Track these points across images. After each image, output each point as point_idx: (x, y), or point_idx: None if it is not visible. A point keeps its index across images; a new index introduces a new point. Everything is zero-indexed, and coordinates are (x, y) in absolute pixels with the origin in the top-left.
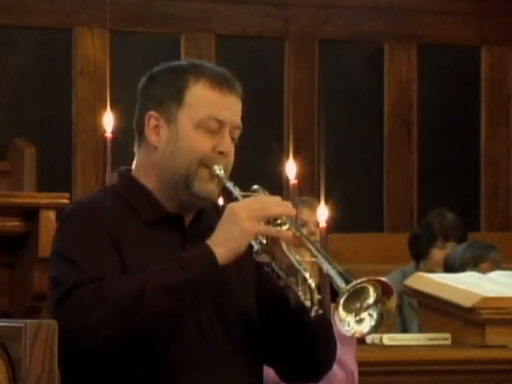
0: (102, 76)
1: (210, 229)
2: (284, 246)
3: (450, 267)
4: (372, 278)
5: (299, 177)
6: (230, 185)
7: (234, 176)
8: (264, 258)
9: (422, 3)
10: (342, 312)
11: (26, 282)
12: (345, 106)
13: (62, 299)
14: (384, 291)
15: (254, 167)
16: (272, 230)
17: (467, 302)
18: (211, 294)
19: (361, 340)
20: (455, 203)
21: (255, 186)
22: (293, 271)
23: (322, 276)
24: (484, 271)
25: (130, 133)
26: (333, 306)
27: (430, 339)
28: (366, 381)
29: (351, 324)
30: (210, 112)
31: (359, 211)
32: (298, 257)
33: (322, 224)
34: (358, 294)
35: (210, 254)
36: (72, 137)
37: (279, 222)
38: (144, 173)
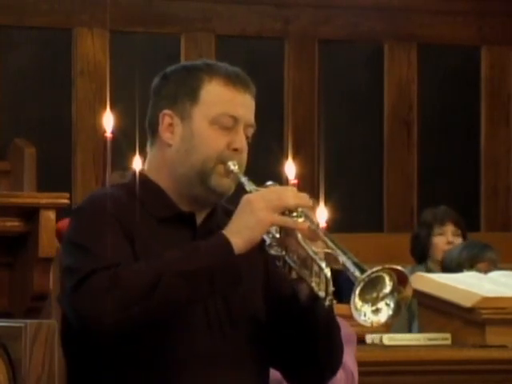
0: (102, 76)
1: (219, 229)
2: (300, 237)
3: (446, 268)
4: (387, 266)
5: (299, 177)
6: (244, 179)
7: None
8: (277, 251)
9: (422, 3)
10: (358, 302)
11: (26, 282)
12: (345, 106)
13: (78, 286)
14: (399, 280)
15: (254, 167)
16: (289, 221)
17: (467, 302)
18: (226, 282)
19: (361, 340)
20: (455, 203)
21: (269, 182)
22: (306, 263)
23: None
24: (481, 271)
25: (129, 133)
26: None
27: (430, 339)
28: (365, 381)
29: (367, 314)
30: (224, 109)
31: (359, 211)
32: (314, 248)
33: (322, 224)
34: (374, 284)
35: (226, 243)
36: (72, 137)
37: (295, 214)
38: (156, 171)
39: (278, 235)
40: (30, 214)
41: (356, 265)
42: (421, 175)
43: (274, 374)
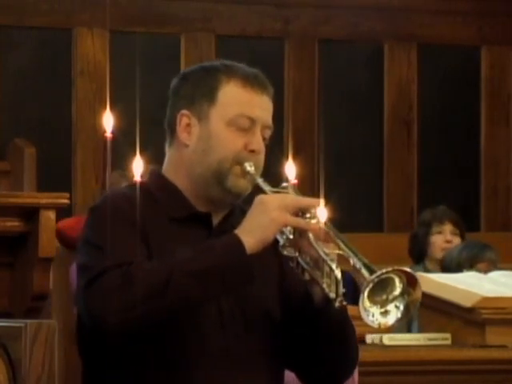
0: (101, 76)
1: (235, 229)
2: (311, 238)
3: (446, 268)
4: (396, 267)
5: (299, 177)
6: (260, 181)
7: None
8: (290, 252)
9: (422, 3)
10: (366, 302)
11: (26, 282)
12: (345, 106)
13: (89, 284)
14: (409, 281)
15: None
16: (301, 222)
17: (467, 302)
18: (238, 282)
19: (361, 340)
20: (455, 203)
21: (285, 184)
22: (318, 264)
23: None
24: (481, 271)
25: (129, 133)
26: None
27: (430, 339)
28: (366, 381)
29: (376, 315)
30: (241, 110)
31: (359, 211)
32: (325, 249)
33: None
34: (383, 286)
35: (238, 242)
36: (72, 137)
37: (308, 215)
38: (174, 171)
39: (291, 236)
40: (30, 214)
41: (366, 266)
42: (421, 175)
43: (290, 376)
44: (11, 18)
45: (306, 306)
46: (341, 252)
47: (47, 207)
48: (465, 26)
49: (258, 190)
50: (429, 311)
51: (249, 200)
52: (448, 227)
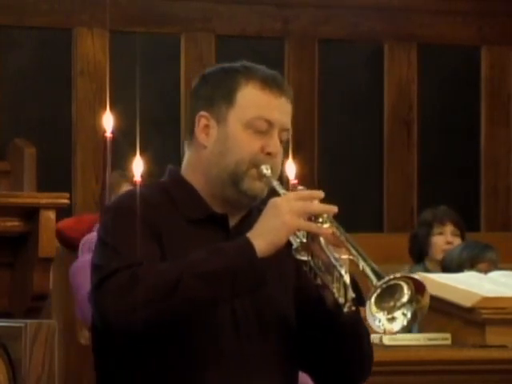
0: (101, 76)
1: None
2: (323, 242)
3: (447, 268)
4: (404, 274)
5: (299, 177)
6: (276, 184)
7: None
8: (303, 256)
9: (422, 3)
10: (373, 308)
11: (26, 282)
12: (345, 106)
13: (100, 284)
14: (417, 289)
15: None
16: (313, 226)
17: (467, 302)
18: (248, 285)
19: None
20: (455, 203)
21: (300, 187)
22: (329, 269)
23: None
24: (481, 271)
25: (129, 133)
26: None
27: (430, 339)
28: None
29: (382, 321)
30: (259, 113)
31: (359, 211)
32: (335, 254)
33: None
34: (391, 292)
35: (248, 245)
36: (72, 137)
37: (320, 220)
38: (192, 171)
39: (304, 240)
40: (30, 214)
41: (374, 272)
42: (421, 175)
43: (304, 377)
44: (11, 18)
45: (319, 309)
46: (351, 257)
47: (47, 207)
48: (465, 26)
49: (275, 192)
50: (429, 311)
51: (267, 201)
52: (449, 228)
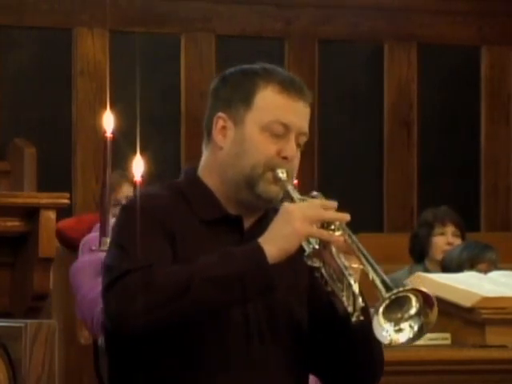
0: (101, 76)
1: None
2: (334, 250)
3: (447, 268)
4: (414, 287)
5: (298, 176)
6: (290, 188)
7: None
8: (315, 262)
9: (422, 3)
10: (381, 318)
11: (26, 282)
12: (345, 106)
13: (111, 285)
14: (426, 302)
15: None
16: (324, 234)
17: (467, 302)
18: (258, 290)
19: None
20: (455, 203)
21: (314, 193)
22: (339, 277)
23: None
24: (481, 272)
25: (129, 133)
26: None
27: (430, 339)
28: None
29: (389, 331)
30: (276, 116)
31: (359, 211)
32: (346, 262)
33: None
34: (400, 304)
35: (259, 250)
36: (72, 137)
37: (332, 227)
38: (208, 172)
39: (317, 246)
40: (30, 214)
41: (384, 283)
42: (421, 175)
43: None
44: (11, 18)
45: (330, 315)
46: (361, 266)
47: (47, 207)
48: (465, 26)
49: (288, 196)
50: None
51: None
52: (450, 229)
